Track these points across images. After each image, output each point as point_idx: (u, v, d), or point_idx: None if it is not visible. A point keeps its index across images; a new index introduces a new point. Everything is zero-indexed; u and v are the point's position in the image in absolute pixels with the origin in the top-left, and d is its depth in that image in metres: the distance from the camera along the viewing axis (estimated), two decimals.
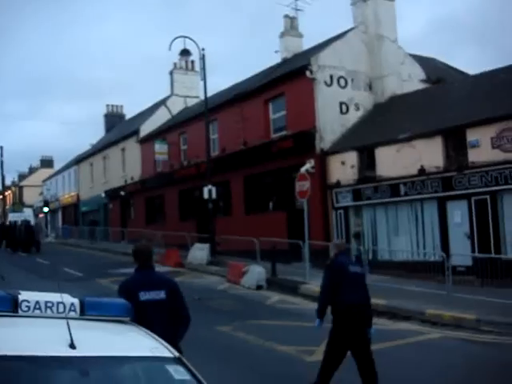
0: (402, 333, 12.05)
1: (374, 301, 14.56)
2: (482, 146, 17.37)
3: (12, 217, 43.33)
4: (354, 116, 24.01)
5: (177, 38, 25.32)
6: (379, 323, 13.20)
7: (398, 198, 19.88)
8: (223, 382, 8.07)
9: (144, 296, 5.43)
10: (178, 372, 3.14)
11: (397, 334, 11.86)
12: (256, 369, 8.48)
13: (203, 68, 25.22)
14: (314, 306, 15.36)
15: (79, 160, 52.28)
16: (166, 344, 3.36)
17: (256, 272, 18.69)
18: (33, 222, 39.47)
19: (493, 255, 16.45)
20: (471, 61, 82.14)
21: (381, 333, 12.12)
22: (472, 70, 28.96)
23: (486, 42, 78.39)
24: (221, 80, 54.47)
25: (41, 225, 35.76)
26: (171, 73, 41.89)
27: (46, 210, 46.68)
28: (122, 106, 54.92)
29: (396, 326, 12.89)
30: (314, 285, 17.46)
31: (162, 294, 5.53)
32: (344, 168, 21.75)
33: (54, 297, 3.36)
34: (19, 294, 3.33)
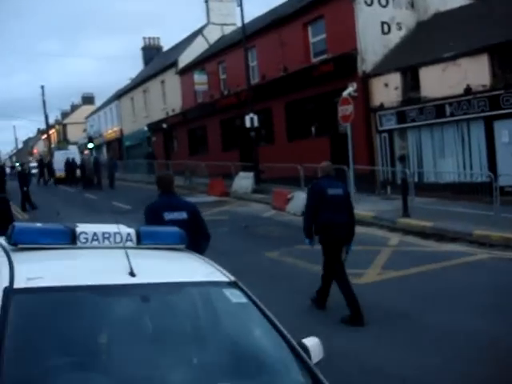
0: (449, 254, 12.05)
1: (420, 223, 14.68)
2: None
3: (57, 155, 44.16)
4: (396, 36, 23.31)
5: None
6: (426, 245, 13.30)
7: (444, 119, 19.48)
8: (275, 305, 8.27)
9: (168, 216, 6.09)
10: (234, 295, 3.23)
11: (444, 256, 11.87)
12: (305, 292, 8.64)
13: None
14: (362, 230, 15.55)
15: (120, 95, 52.50)
16: (222, 269, 3.44)
17: (301, 198, 18.71)
18: (78, 159, 40.34)
19: None
20: None
21: (428, 254, 12.21)
22: None
23: None
24: (257, 5, 53.30)
25: (115, 160, 36.24)
26: (206, 1, 41.16)
27: (90, 146, 47.30)
28: (158, 38, 54.56)
29: (443, 248, 12.89)
30: (360, 209, 17.49)
31: (184, 215, 6.21)
32: (387, 90, 21.32)
33: (111, 228, 3.45)
34: (77, 226, 3.42)
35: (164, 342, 3.00)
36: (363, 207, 17.77)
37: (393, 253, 12.42)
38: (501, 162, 17.87)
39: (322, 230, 8.15)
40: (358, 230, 15.40)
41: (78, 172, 37.32)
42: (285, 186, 21.04)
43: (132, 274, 3.02)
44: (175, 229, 3.80)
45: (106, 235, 3.38)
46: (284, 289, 9.31)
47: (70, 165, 38.32)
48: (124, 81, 55.79)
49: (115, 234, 3.38)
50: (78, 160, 39.80)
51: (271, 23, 27.81)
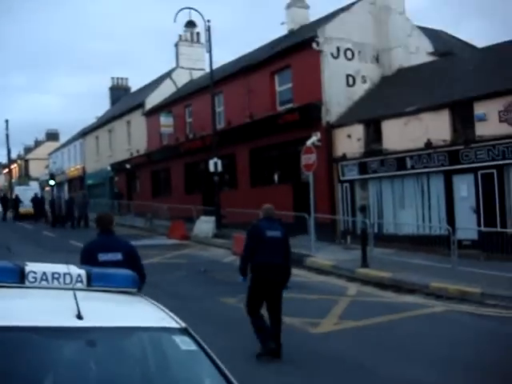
0: (406, 306, 12.09)
1: (379, 274, 14.75)
2: (490, 120, 17.24)
3: (18, 190, 43.45)
4: (360, 89, 23.82)
5: (182, 9, 25.14)
6: (384, 296, 13.33)
7: (405, 172, 19.81)
8: (228, 353, 8.13)
9: (102, 257, 6.03)
10: (184, 342, 3.15)
11: (401, 307, 11.91)
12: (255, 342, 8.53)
13: (209, 40, 25.03)
14: (320, 278, 15.53)
15: (85, 133, 52.24)
16: (173, 315, 3.37)
17: None
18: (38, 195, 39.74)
19: (498, 229, 16.43)
20: (477, 33, 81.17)
21: (386, 305, 12.23)
22: (478, 42, 28.65)
23: (491, 15, 77.37)
24: (226, 52, 54.33)
25: (87, 197, 35.22)
26: (176, 45, 41.64)
27: (52, 183, 46.72)
28: (127, 79, 54.71)
29: (401, 299, 12.94)
30: (320, 258, 17.57)
31: (118, 256, 6.14)
32: (350, 141, 21.66)
33: (61, 268, 3.36)
34: (26, 265, 3.33)
35: None
36: (323, 256, 17.83)
37: (350, 303, 12.40)
38: (459, 216, 18.19)
39: (257, 270, 8.32)
40: (317, 278, 15.53)
41: (47, 208, 36.82)
42: (246, 232, 20.95)
43: (79, 316, 2.93)
44: (128, 271, 3.72)
45: (56, 275, 3.29)
46: (237, 336, 9.16)
47: (37, 201, 37.78)
48: (90, 119, 55.61)
49: (65, 274, 3.30)
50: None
51: (239, 70, 28.17)
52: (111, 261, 5.88)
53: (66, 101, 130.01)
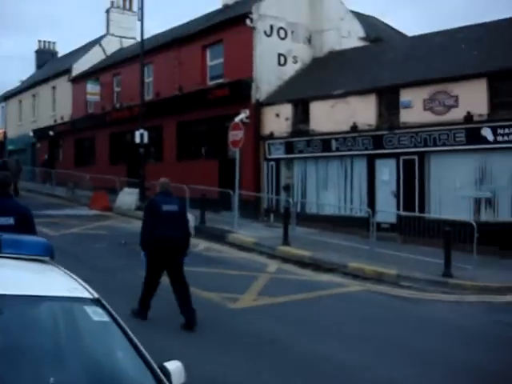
0: (324, 284, 12.36)
1: (299, 252, 14.98)
2: (414, 107, 17.68)
3: None
4: (291, 69, 23.91)
5: None
6: (303, 274, 13.56)
7: (329, 153, 20.10)
8: (143, 325, 8.08)
9: None
10: (96, 313, 3.09)
11: (319, 286, 12.17)
12: (177, 313, 8.51)
13: (141, 8, 24.41)
14: (242, 255, 15.63)
15: (7, 96, 50.23)
16: (86, 285, 3.30)
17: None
18: None
19: (416, 214, 16.96)
20: (407, 22, 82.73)
21: (304, 283, 12.45)
22: (408, 31, 29.32)
23: (422, 4, 78.91)
24: (158, 22, 53.14)
25: (21, 164, 33.14)
26: (107, 11, 40.51)
27: None
28: (54, 43, 52.79)
29: (319, 278, 13.20)
30: (242, 234, 17.67)
31: (10, 220, 5.92)
32: (278, 120, 21.76)
33: None
34: None
35: (17, 359, 2.81)
36: (245, 232, 17.93)
37: (270, 279, 12.55)
38: (379, 199, 18.65)
39: (155, 243, 8.53)
40: (239, 254, 15.64)
41: None
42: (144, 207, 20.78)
43: None
44: (41, 239, 3.61)
45: None
46: (155, 309, 9.09)
47: None
48: (13, 82, 53.54)
49: None
50: None
51: (171, 42, 27.70)
52: (2, 224, 5.71)
53: None
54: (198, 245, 16.84)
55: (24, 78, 52.87)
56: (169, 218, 8.60)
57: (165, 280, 8.79)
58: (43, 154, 39.93)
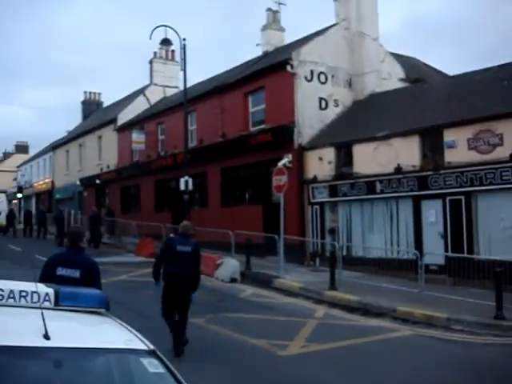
0: (373, 329, 12.15)
1: (347, 296, 14.80)
2: (459, 147, 17.54)
3: None
4: (332, 112, 24.06)
5: (158, 26, 25.08)
6: (352, 319, 13.37)
7: (374, 196, 20.00)
8: (196, 375, 8.06)
9: (60, 271, 6.11)
10: (152, 365, 3.13)
11: (368, 331, 11.96)
12: (227, 361, 8.49)
13: (183, 58, 25.02)
14: (288, 300, 15.54)
15: (55, 146, 51.70)
16: (141, 336, 3.34)
17: (230, 265, 18.70)
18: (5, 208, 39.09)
19: (465, 255, 16.63)
20: (445, 61, 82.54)
21: (353, 329, 12.26)
22: (446, 70, 29.21)
23: (460, 43, 78.75)
24: (199, 70, 54.48)
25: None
26: (151, 62, 41.65)
27: (19, 195, 46.08)
28: (99, 94, 54.39)
29: (368, 323, 13.00)
30: (288, 279, 17.58)
31: (76, 273, 6.10)
32: (321, 164, 21.81)
33: (29, 286, 3.32)
34: None
35: None
36: (291, 277, 17.84)
37: (318, 325, 12.42)
38: (426, 241, 18.38)
39: (167, 278, 9.58)
40: (285, 300, 15.53)
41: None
42: (215, 251, 20.93)
43: (46, 336, 2.89)
44: (96, 291, 3.69)
45: (23, 293, 3.25)
46: (206, 358, 9.09)
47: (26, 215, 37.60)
48: (61, 133, 55.10)
49: (33, 292, 3.26)
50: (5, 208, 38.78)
51: (213, 89, 28.24)
52: (68, 277, 5.96)
53: (35, 113, 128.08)
54: (245, 290, 16.84)
55: (71, 128, 54.44)
56: (181, 258, 9.51)
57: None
58: (90, 202, 40.64)
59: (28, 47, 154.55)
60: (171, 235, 10.83)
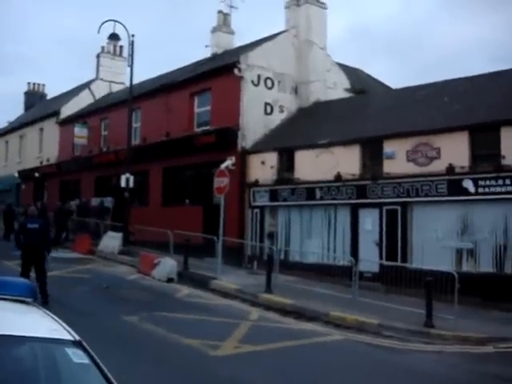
0: (305, 333, 12.30)
1: (282, 300, 14.97)
2: (398, 158, 17.99)
3: None
4: (277, 118, 24.28)
5: (107, 21, 24.91)
6: (285, 322, 13.52)
7: (313, 202, 20.27)
8: (123, 372, 8.02)
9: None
10: (77, 355, 3.13)
11: (300, 334, 12.12)
12: (159, 360, 8.48)
13: (131, 54, 24.81)
14: (224, 301, 15.59)
15: None
16: (67, 327, 3.34)
17: (168, 264, 18.61)
18: None
19: (399, 264, 17.03)
20: (388, 73, 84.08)
21: (286, 331, 12.40)
22: (389, 82, 29.84)
23: (398, 55, 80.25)
24: (145, 67, 53.63)
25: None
26: (98, 56, 41.02)
27: None
28: (44, 85, 53.20)
29: (301, 326, 13.15)
30: (225, 281, 17.64)
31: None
32: (264, 168, 21.97)
33: None
34: None
35: None
36: (228, 279, 17.90)
37: (252, 327, 12.50)
38: (362, 248, 18.74)
39: (23, 247, 13.59)
40: (221, 301, 15.59)
41: None
42: (153, 251, 20.80)
43: None
44: (25, 281, 3.67)
45: None
46: (137, 355, 9.03)
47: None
48: (1, 123, 53.54)
49: None
50: None
51: (160, 88, 28.09)
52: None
53: None
54: (181, 290, 16.80)
55: (11, 119, 53.08)
56: (31, 233, 13.45)
57: None
58: (28, 195, 39.69)
59: None
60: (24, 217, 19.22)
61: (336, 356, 10.65)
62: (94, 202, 30.30)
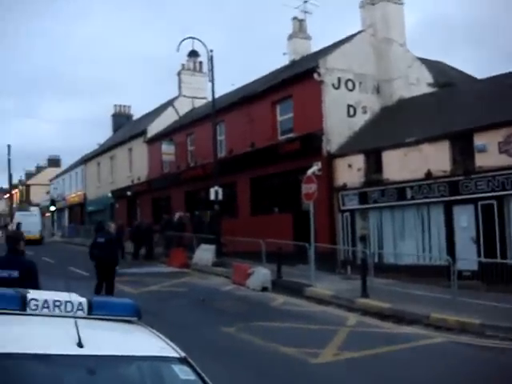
0: (405, 337, 12.03)
1: (379, 304, 14.71)
2: (489, 151, 17.35)
3: (18, 215, 43.49)
4: (361, 119, 24.01)
5: (185, 39, 25.39)
6: (384, 326, 13.27)
7: (405, 202, 19.87)
8: (227, 383, 8.10)
9: (0, 273, 6.60)
10: (183, 372, 3.17)
11: (401, 338, 11.85)
12: (259, 370, 8.51)
13: (211, 69, 25.24)
14: (320, 308, 15.50)
15: (86, 159, 52.46)
16: (173, 344, 3.39)
17: (261, 274, 18.71)
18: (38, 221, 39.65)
19: (498, 260, 16.41)
20: (466, 61, 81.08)
21: (385, 336, 12.17)
22: (471, 71, 28.88)
23: (480, 43, 77.24)
24: (226, 80, 54.49)
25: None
26: (179, 74, 42.02)
27: (52, 208, 46.90)
28: (129, 107, 55.12)
29: (400, 330, 12.88)
30: (320, 287, 17.52)
31: (14, 274, 6.61)
32: (351, 171, 21.75)
33: (62, 296, 3.39)
34: (28, 292, 3.36)
35: None
36: (323, 285, 17.78)
37: (350, 333, 12.35)
38: (459, 246, 18.19)
39: (95, 260, 14.64)
40: (317, 308, 15.50)
41: None
42: (246, 261, 20.98)
43: (80, 344, 2.95)
44: (129, 300, 3.75)
45: (57, 303, 3.32)
46: (238, 366, 9.12)
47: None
48: (92, 146, 55.89)
49: (66, 302, 3.32)
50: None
51: (241, 99, 28.41)
52: (6, 278, 6.48)
53: (67, 127, 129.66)
54: (276, 299, 16.83)
55: (101, 141, 55.17)
56: (101, 246, 14.51)
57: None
58: (121, 214, 40.96)
59: (43, 61, 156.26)
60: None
61: (438, 359, 10.34)
62: (177, 217, 30.11)
